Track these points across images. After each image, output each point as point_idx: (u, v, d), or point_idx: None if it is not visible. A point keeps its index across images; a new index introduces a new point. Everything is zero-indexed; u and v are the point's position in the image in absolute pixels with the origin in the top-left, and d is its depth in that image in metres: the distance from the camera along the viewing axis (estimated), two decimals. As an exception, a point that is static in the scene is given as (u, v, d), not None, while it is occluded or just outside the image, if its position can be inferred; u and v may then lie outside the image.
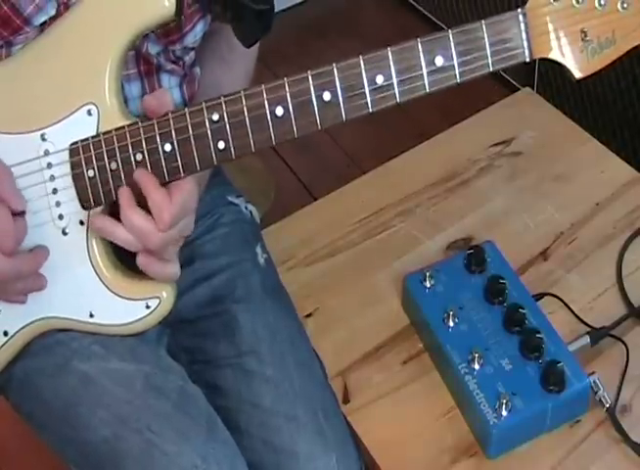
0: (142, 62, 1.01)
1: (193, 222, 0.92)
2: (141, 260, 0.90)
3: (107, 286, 0.94)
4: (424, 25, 2.54)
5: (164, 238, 0.88)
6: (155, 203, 0.86)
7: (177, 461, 0.97)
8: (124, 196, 0.88)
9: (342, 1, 2.75)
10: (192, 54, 1.08)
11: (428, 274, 1.20)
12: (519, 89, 1.67)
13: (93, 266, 0.94)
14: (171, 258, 0.92)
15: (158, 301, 0.94)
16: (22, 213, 0.92)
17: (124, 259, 0.96)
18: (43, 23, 0.93)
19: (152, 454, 0.97)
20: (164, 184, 0.88)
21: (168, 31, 1.00)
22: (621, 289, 1.26)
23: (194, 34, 1.04)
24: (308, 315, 1.27)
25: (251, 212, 1.21)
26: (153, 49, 1.01)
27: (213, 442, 0.99)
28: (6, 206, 0.89)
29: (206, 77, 1.10)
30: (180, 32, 1.02)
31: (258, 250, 1.17)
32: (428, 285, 1.20)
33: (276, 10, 1.03)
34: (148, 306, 0.94)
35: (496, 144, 1.49)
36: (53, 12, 0.93)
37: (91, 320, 0.97)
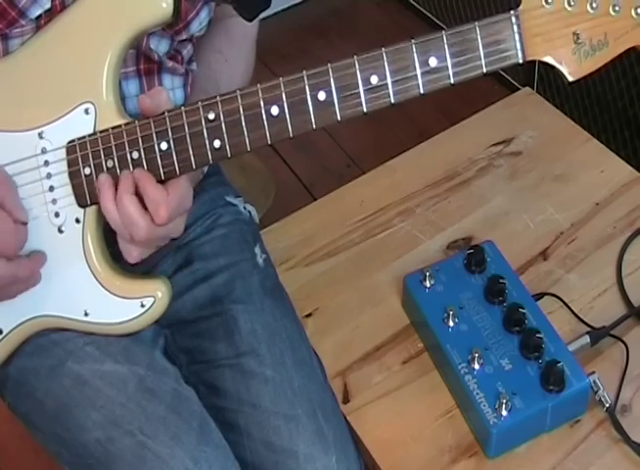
0: (142, 60, 1.01)
1: (184, 222, 0.92)
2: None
3: (102, 284, 0.95)
4: (424, 26, 2.54)
5: (152, 233, 0.88)
6: (152, 198, 0.87)
7: (169, 464, 0.97)
8: (124, 181, 0.88)
9: (343, 1, 2.75)
10: (189, 47, 1.08)
11: (428, 274, 1.20)
12: (519, 89, 1.67)
13: (88, 265, 0.94)
14: (149, 249, 0.93)
15: (152, 300, 0.94)
16: (25, 224, 0.93)
17: (119, 258, 0.96)
18: (39, 17, 0.94)
19: (144, 457, 0.97)
20: (160, 182, 0.89)
21: (172, 23, 1.00)
22: (621, 289, 1.26)
23: (199, 22, 1.04)
24: (308, 315, 1.27)
25: (249, 213, 1.21)
26: (159, 44, 1.01)
27: (205, 445, 1.00)
28: (9, 214, 0.91)
29: (204, 70, 1.10)
30: (185, 20, 1.02)
31: (257, 250, 1.17)
32: (428, 285, 1.20)
33: (276, 9, 1.04)
34: (143, 305, 0.94)
35: (496, 144, 1.49)
36: (48, 5, 0.93)
37: (86, 319, 0.97)
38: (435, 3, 2.52)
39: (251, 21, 1.06)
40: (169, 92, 0.96)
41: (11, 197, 0.93)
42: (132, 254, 0.91)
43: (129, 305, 0.95)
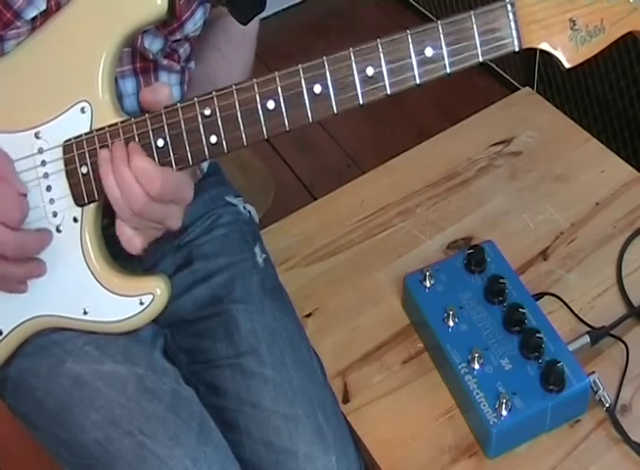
0: (138, 59, 1.01)
1: (181, 215, 0.91)
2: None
3: (100, 283, 0.94)
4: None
5: (148, 206, 0.86)
6: (144, 169, 0.85)
7: (168, 464, 0.97)
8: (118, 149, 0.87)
9: (343, 1, 2.75)
10: (186, 46, 1.08)
11: (428, 274, 1.20)
12: (519, 89, 1.67)
13: (87, 263, 0.94)
14: (145, 238, 0.91)
15: (151, 297, 0.94)
16: (24, 196, 0.93)
17: (118, 256, 0.96)
18: (34, 18, 0.93)
19: (143, 457, 0.97)
20: None
21: (167, 20, 1.00)
22: (621, 289, 1.26)
23: (194, 22, 1.04)
24: (308, 315, 1.27)
25: (249, 213, 1.21)
26: (152, 43, 1.01)
27: (205, 445, 0.99)
28: (11, 187, 0.91)
29: (202, 68, 1.10)
30: (179, 21, 1.02)
31: (257, 250, 1.17)
32: (427, 285, 1.20)
33: (276, 9, 1.03)
34: (141, 303, 0.94)
35: (496, 144, 1.48)
36: (43, 6, 0.93)
37: (85, 317, 0.96)
38: (435, 3, 2.52)
39: (245, 24, 1.05)
40: None
41: (10, 169, 0.93)
42: (134, 242, 0.90)
43: (128, 303, 0.95)
